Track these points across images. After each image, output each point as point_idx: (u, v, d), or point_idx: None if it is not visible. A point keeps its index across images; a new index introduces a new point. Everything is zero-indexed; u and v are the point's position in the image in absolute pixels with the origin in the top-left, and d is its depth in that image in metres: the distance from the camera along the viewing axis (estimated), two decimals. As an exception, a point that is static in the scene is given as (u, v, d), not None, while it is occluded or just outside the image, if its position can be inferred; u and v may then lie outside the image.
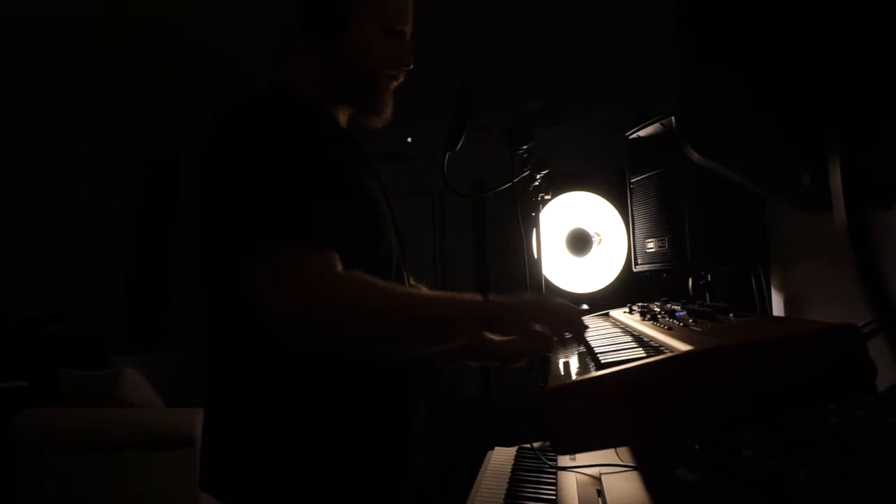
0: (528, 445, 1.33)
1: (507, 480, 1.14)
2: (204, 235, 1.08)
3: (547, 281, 1.82)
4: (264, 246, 0.95)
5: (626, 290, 2.09)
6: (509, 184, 1.68)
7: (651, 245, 1.91)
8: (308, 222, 0.96)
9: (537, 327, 0.99)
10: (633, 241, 2.04)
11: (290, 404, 1.03)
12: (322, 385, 1.03)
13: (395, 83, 1.19)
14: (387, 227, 1.15)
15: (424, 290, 1.29)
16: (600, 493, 1.00)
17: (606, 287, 2.21)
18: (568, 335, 0.99)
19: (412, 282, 1.36)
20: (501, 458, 1.29)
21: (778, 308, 1.76)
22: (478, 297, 1.02)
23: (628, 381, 0.68)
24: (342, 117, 1.21)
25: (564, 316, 1.00)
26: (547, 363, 1.05)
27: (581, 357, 0.96)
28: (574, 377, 0.75)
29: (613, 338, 1.05)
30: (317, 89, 1.15)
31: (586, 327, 1.02)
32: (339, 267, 0.97)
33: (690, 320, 0.98)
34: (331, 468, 1.02)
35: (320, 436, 1.02)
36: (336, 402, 1.04)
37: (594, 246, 2.22)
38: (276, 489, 1.00)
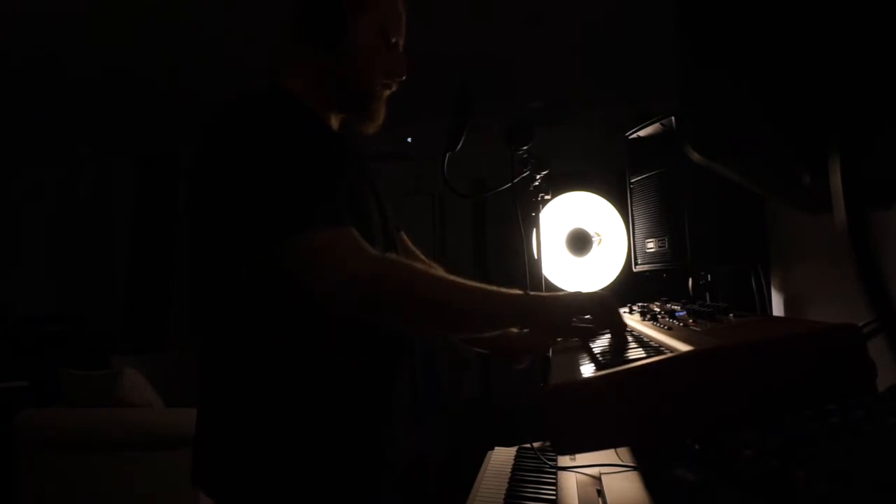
0: (528, 445, 1.33)
1: (507, 480, 1.14)
2: (204, 233, 1.09)
3: (547, 281, 1.82)
4: (302, 225, 0.96)
5: (626, 290, 2.09)
6: (509, 184, 1.68)
7: (651, 245, 1.91)
8: (334, 200, 1.00)
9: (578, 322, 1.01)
10: (633, 241, 2.04)
11: (280, 400, 1.04)
12: (311, 381, 1.05)
13: (388, 91, 1.22)
14: (374, 228, 1.16)
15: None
16: (600, 493, 1.00)
17: (606, 287, 2.21)
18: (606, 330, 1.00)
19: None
20: (501, 458, 1.29)
21: (778, 308, 1.76)
22: (518, 291, 1.04)
23: (628, 381, 0.68)
24: (335, 121, 1.23)
25: (606, 311, 1.00)
26: (547, 363, 1.05)
27: (581, 357, 0.96)
28: (574, 377, 0.75)
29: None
30: (313, 92, 1.17)
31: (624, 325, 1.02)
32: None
33: (690, 320, 0.97)
34: (315, 463, 1.04)
35: (307, 431, 1.04)
36: (324, 399, 1.05)
37: (594, 246, 2.22)
38: (264, 483, 1.01)
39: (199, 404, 1.11)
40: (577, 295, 1.04)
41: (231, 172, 1.02)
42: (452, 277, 1.03)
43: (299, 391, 1.04)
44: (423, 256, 1.46)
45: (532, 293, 1.05)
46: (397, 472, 1.15)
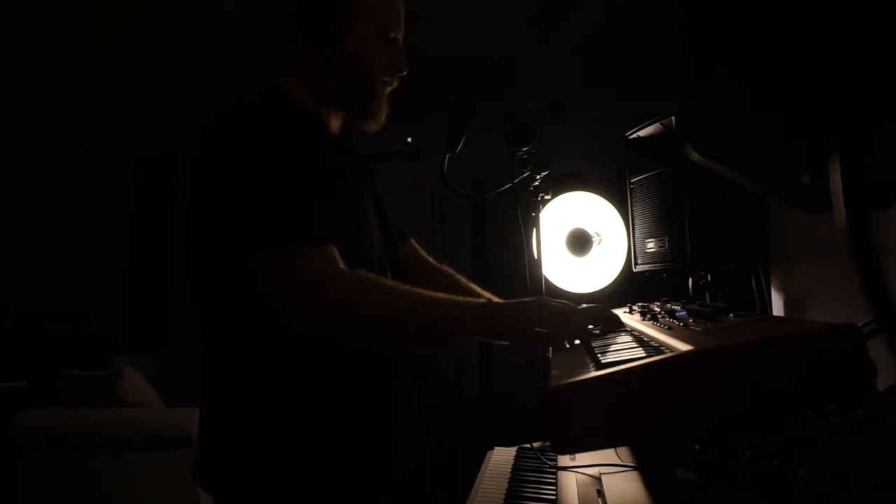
0: (528, 445, 1.33)
1: (507, 480, 1.14)
2: (199, 235, 1.09)
3: (547, 281, 1.82)
4: (271, 243, 0.96)
5: (626, 290, 2.09)
6: (509, 184, 1.68)
7: (651, 245, 1.91)
8: (310, 218, 0.98)
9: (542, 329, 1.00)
10: (633, 241, 2.04)
11: (282, 400, 1.04)
12: (315, 381, 1.05)
13: (389, 88, 1.21)
14: (368, 228, 1.16)
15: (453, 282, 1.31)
16: (600, 493, 1.00)
17: (606, 287, 2.21)
18: (574, 338, 1.01)
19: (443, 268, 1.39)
20: (501, 458, 1.29)
21: (778, 308, 1.76)
22: (482, 301, 1.03)
23: (628, 381, 0.68)
24: (334, 122, 1.23)
25: (570, 319, 1.02)
26: (547, 363, 1.05)
27: (581, 357, 0.96)
28: (574, 377, 0.75)
29: (613, 338, 1.05)
30: (311, 94, 1.17)
31: (593, 332, 1.03)
32: (340, 262, 0.98)
33: (690, 320, 0.97)
34: (320, 462, 1.04)
35: (311, 430, 1.04)
36: (328, 398, 1.05)
37: (594, 246, 2.22)
38: (266, 483, 1.01)
39: (201, 404, 1.11)
40: (541, 305, 1.03)
41: (217, 182, 1.02)
42: (417, 289, 1.02)
43: (302, 391, 1.04)
44: (432, 261, 1.44)
45: (495, 301, 1.03)
46: (400, 473, 1.15)
